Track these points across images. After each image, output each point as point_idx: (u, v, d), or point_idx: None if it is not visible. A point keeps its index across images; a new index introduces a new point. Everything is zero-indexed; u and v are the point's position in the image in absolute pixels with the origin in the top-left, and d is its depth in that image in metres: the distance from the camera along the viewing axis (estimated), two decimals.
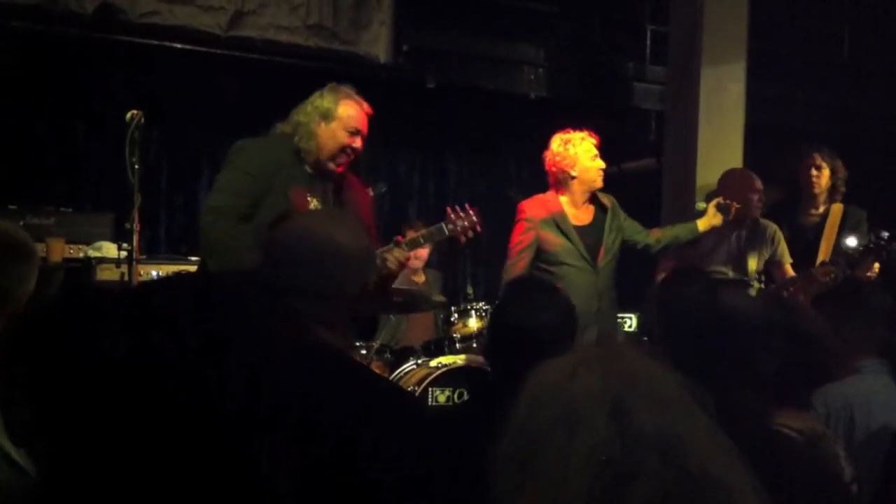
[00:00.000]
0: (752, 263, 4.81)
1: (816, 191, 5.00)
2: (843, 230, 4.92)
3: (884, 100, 7.02)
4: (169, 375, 0.99)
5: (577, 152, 4.35)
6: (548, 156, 4.41)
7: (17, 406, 1.01)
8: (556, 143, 4.39)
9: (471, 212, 3.94)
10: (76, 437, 0.97)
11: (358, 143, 3.56)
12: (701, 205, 4.75)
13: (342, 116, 3.52)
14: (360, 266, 1.97)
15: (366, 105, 3.60)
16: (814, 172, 4.99)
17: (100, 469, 0.96)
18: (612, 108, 6.50)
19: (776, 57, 6.73)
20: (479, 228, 3.99)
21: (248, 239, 3.34)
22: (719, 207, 4.56)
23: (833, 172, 4.98)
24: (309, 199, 3.50)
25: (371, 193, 3.87)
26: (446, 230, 3.92)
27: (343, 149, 3.54)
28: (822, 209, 5.00)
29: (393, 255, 3.63)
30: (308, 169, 3.55)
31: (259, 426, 1.06)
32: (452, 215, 3.94)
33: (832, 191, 4.99)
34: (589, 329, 4.15)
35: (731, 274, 4.74)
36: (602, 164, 4.39)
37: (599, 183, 4.40)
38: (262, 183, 3.45)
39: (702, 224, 4.56)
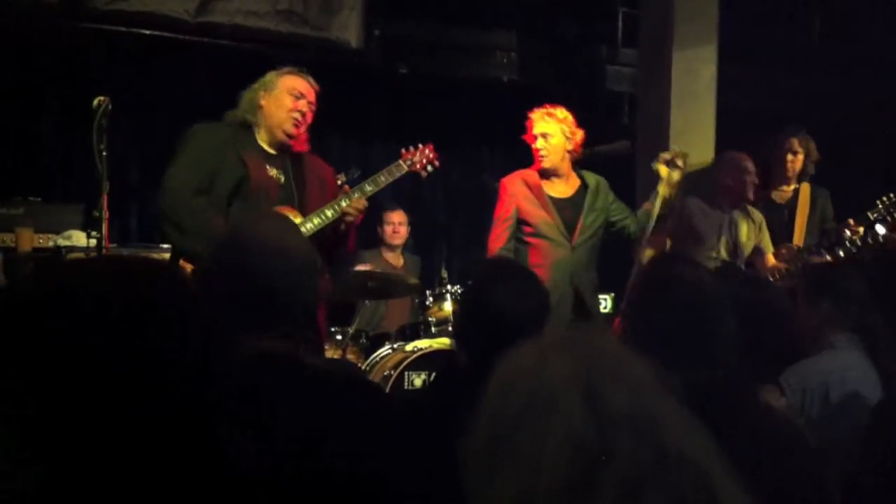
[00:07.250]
0: (747, 248, 4.85)
1: (790, 174, 5.16)
2: (814, 210, 5.05)
3: (854, 84, 7.06)
4: (159, 374, 0.99)
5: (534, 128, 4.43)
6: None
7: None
8: (536, 114, 4.45)
9: (426, 149, 3.99)
10: (68, 435, 0.96)
11: (303, 106, 3.59)
12: (656, 166, 4.64)
13: (284, 82, 3.60)
14: (313, 271, 1.97)
15: (312, 81, 3.65)
16: (790, 157, 5.14)
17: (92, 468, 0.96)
18: (584, 92, 6.49)
19: (747, 40, 6.75)
20: (437, 164, 4.03)
21: (209, 208, 3.40)
22: (669, 164, 4.47)
23: (807, 156, 5.11)
24: (268, 168, 3.54)
25: (340, 179, 3.86)
26: (405, 166, 3.95)
27: (290, 113, 3.56)
28: (791, 188, 5.15)
29: (352, 207, 3.62)
30: (264, 145, 3.60)
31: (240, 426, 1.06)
32: (406, 153, 3.99)
33: (802, 172, 5.11)
34: (562, 305, 4.14)
35: (726, 257, 4.75)
36: (536, 146, 4.38)
37: (541, 163, 4.38)
38: (216, 156, 3.48)
39: (661, 189, 4.47)
